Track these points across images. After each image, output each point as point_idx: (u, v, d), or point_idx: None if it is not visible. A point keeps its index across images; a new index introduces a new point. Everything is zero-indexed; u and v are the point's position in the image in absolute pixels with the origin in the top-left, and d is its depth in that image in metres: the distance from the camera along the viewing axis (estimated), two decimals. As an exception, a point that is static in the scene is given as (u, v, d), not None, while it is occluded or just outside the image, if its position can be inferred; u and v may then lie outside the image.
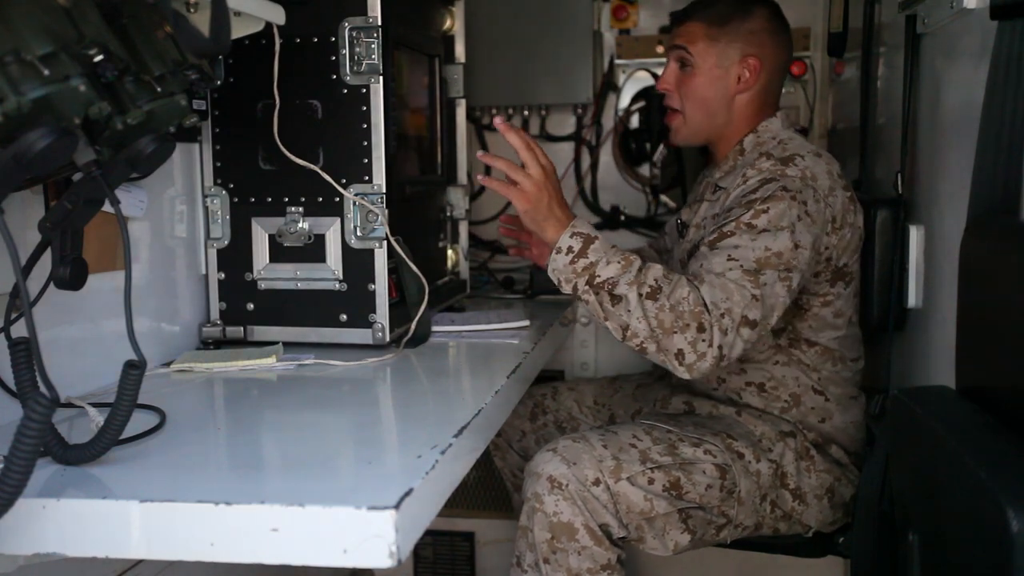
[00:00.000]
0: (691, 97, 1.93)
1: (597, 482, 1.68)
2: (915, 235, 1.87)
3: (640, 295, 1.61)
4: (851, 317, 1.92)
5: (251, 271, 1.92)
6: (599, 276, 1.64)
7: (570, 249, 1.67)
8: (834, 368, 1.91)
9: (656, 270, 1.64)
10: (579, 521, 1.66)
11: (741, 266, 1.64)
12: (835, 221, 1.80)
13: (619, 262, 1.65)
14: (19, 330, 1.16)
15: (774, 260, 1.67)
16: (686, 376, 1.61)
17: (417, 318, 1.90)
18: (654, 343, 1.60)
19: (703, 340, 1.58)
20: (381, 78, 1.82)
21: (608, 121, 3.20)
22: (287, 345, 1.88)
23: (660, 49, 3.08)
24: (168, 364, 1.74)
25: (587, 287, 1.65)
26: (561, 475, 1.67)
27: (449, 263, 2.39)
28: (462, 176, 2.43)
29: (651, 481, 1.72)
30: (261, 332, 1.93)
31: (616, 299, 1.62)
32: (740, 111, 1.94)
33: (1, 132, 0.97)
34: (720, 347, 1.59)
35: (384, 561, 0.97)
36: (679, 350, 1.58)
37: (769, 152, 1.86)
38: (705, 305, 1.59)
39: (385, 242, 1.86)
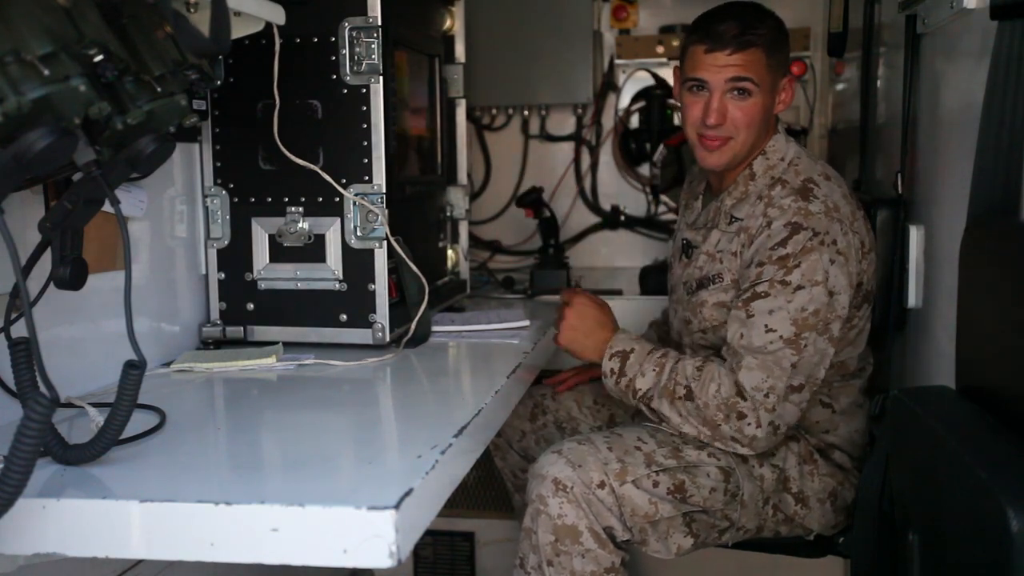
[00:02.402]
0: (750, 124, 1.81)
1: (602, 485, 1.68)
2: (915, 235, 1.87)
3: (673, 401, 1.75)
4: (867, 330, 1.91)
5: (251, 271, 1.92)
6: (639, 390, 1.80)
7: (612, 371, 1.83)
8: (843, 380, 1.90)
9: (685, 369, 1.75)
10: (583, 524, 1.66)
11: (780, 336, 1.70)
12: (864, 246, 1.79)
13: (654, 370, 1.78)
14: (19, 330, 1.16)
15: (811, 320, 1.70)
16: (750, 452, 1.75)
17: (417, 318, 1.90)
18: (709, 436, 1.74)
19: (748, 424, 1.70)
20: (381, 78, 1.82)
21: (608, 121, 3.20)
22: (287, 345, 1.88)
23: (660, 49, 3.08)
24: (168, 364, 1.74)
25: (636, 401, 1.81)
26: (566, 477, 1.67)
27: (449, 263, 2.39)
28: (462, 176, 2.43)
29: (656, 484, 1.71)
30: (261, 332, 1.93)
31: (656, 411, 1.78)
32: (770, 128, 1.88)
33: (1, 132, 0.97)
34: (771, 423, 1.70)
35: (384, 561, 0.97)
36: (731, 437, 1.72)
37: (783, 179, 1.82)
38: (742, 393, 1.70)
39: (385, 242, 1.85)
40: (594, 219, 3.25)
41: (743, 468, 1.79)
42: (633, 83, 3.15)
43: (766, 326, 1.70)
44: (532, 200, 2.74)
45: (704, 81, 1.81)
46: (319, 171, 1.83)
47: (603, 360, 1.84)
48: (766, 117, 1.84)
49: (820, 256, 1.71)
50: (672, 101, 3.02)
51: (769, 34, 1.80)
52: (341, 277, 1.88)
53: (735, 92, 1.80)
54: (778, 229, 1.74)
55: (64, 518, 1.03)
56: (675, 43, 3.01)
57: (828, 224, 1.73)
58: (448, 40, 2.36)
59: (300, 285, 1.90)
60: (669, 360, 1.78)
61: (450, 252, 2.40)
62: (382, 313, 1.87)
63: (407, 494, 1.01)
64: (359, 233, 1.86)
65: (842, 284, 1.72)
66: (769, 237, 1.75)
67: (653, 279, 2.63)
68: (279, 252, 1.91)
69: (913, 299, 1.89)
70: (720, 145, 1.83)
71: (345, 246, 1.87)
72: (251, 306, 1.93)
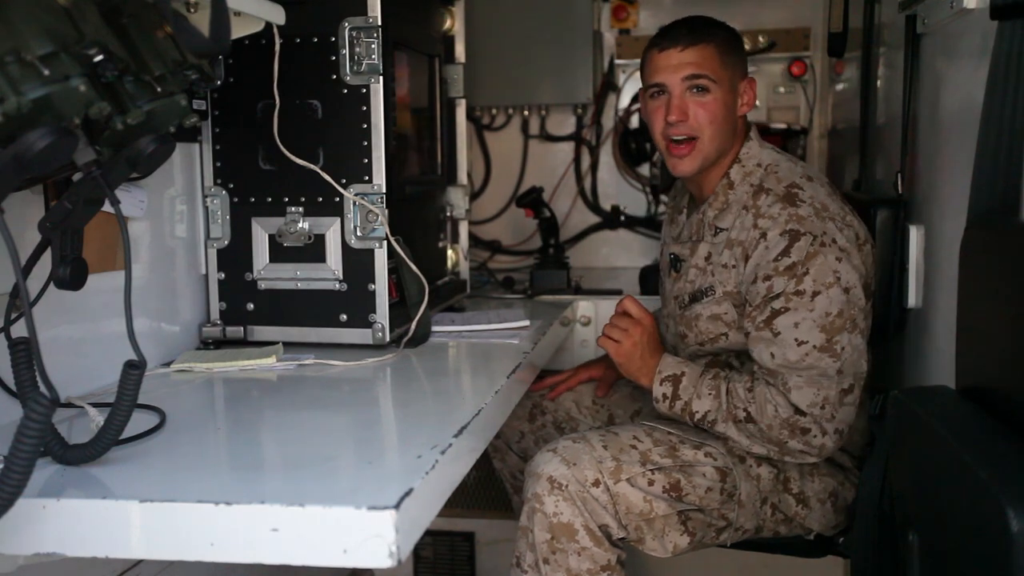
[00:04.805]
0: (712, 121, 1.82)
1: (597, 483, 1.68)
2: (915, 235, 1.87)
3: (737, 423, 1.77)
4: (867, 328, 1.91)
5: (251, 271, 1.92)
6: (697, 412, 1.80)
7: (664, 396, 1.84)
8: None
9: (738, 391, 1.77)
10: (579, 522, 1.67)
11: (814, 346, 1.70)
12: (859, 238, 1.80)
13: (710, 394, 1.79)
14: (19, 330, 1.15)
15: (838, 322, 1.71)
16: (819, 460, 1.78)
17: (417, 318, 1.90)
18: (777, 452, 1.76)
19: (814, 436, 1.73)
20: (381, 78, 1.82)
21: (608, 121, 3.21)
22: (287, 345, 1.88)
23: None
24: (168, 364, 1.74)
25: (695, 423, 1.82)
26: (561, 476, 1.67)
27: (449, 263, 2.39)
28: (462, 176, 2.43)
29: (651, 483, 1.72)
30: (261, 332, 1.93)
31: (723, 434, 1.79)
32: (738, 133, 1.89)
33: (1, 132, 0.97)
34: (836, 429, 1.73)
35: (384, 561, 0.97)
36: (799, 450, 1.75)
37: (765, 186, 1.82)
38: (799, 410, 1.72)
39: (385, 242, 1.86)
40: (594, 219, 3.25)
41: (740, 468, 1.79)
42: (633, 83, 3.15)
43: (796, 340, 1.71)
44: (532, 200, 2.74)
45: (662, 84, 1.85)
46: (319, 171, 1.83)
47: (654, 386, 1.85)
48: (729, 117, 1.86)
49: (826, 257, 1.71)
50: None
51: (721, 35, 1.86)
52: (341, 277, 1.88)
53: (694, 90, 1.83)
54: (775, 240, 1.74)
55: (64, 518, 1.03)
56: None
57: (823, 225, 1.74)
58: (448, 40, 2.36)
59: (300, 285, 1.90)
60: (722, 383, 1.80)
61: (450, 252, 2.40)
62: (382, 313, 1.87)
63: (407, 494, 1.01)
64: (359, 233, 1.86)
65: (854, 279, 1.73)
66: (768, 249, 1.75)
67: (653, 279, 2.62)
68: (279, 252, 1.91)
69: (913, 299, 1.89)
70: (688, 151, 1.84)
71: (345, 246, 1.87)
72: (251, 306, 1.93)
